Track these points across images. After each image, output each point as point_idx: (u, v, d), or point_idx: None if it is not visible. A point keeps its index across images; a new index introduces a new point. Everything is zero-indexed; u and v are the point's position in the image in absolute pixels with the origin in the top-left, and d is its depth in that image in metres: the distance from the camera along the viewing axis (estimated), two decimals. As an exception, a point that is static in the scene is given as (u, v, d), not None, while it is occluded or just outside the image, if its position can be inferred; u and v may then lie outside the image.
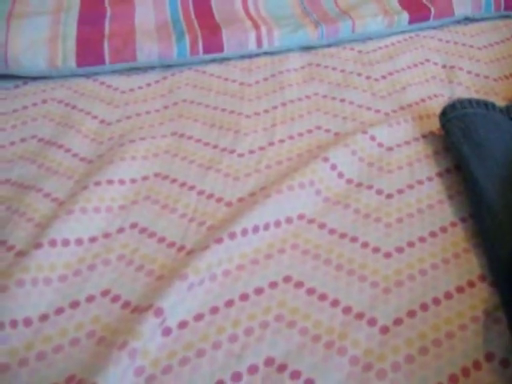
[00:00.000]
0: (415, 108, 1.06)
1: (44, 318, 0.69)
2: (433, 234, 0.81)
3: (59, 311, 0.70)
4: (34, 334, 0.68)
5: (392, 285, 0.74)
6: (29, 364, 0.65)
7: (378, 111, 1.05)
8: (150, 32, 1.17)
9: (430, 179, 0.90)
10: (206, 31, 1.17)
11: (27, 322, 0.68)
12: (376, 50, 1.23)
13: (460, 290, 0.73)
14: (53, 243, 0.76)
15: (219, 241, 0.75)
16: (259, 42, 1.18)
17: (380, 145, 0.95)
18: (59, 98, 1.08)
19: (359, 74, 1.15)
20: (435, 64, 1.19)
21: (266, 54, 1.21)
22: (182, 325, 0.68)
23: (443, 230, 0.81)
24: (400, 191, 0.87)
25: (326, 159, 0.89)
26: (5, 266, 0.73)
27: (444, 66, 1.18)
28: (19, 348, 0.66)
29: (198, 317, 0.69)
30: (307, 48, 1.23)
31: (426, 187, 0.88)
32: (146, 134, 0.97)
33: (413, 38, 1.27)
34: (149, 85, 1.12)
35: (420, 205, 0.85)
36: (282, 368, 0.64)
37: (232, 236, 0.75)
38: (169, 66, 1.16)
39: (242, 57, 1.20)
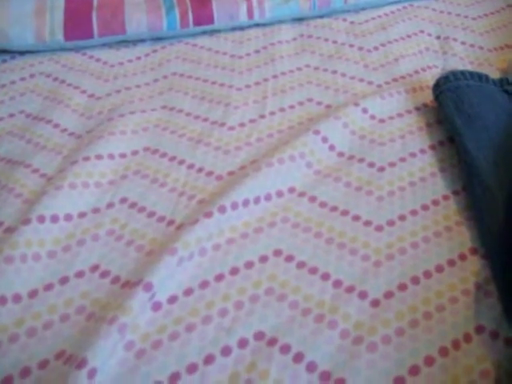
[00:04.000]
0: (408, 80, 1.04)
1: (33, 294, 0.69)
2: (425, 207, 0.80)
3: (48, 287, 0.70)
4: (24, 311, 0.67)
5: (383, 258, 0.73)
6: (19, 340, 0.65)
7: (370, 83, 1.04)
8: (139, 3, 1.14)
9: (422, 152, 0.89)
10: (196, 3, 1.16)
11: (16, 298, 0.68)
12: (369, 20, 1.22)
13: (451, 263, 0.73)
14: (41, 219, 0.75)
15: (209, 215, 0.74)
16: (250, 14, 1.17)
17: (372, 117, 0.94)
18: (47, 73, 1.06)
19: (351, 46, 1.14)
20: (429, 35, 1.17)
21: (257, 25, 1.19)
22: (172, 299, 0.68)
23: (435, 203, 0.81)
24: (392, 164, 0.87)
25: (317, 132, 0.88)
26: (-6, 243, 0.73)
27: (438, 37, 1.17)
28: (9, 324, 0.66)
29: (188, 291, 0.69)
30: (299, 19, 1.21)
31: (419, 160, 0.88)
32: (135, 108, 0.96)
33: (406, 9, 1.26)
34: (138, 58, 1.11)
35: (412, 178, 0.85)
36: (272, 342, 0.64)
37: (222, 210, 0.75)
38: (158, 39, 1.15)
39: (233, 29, 1.18)
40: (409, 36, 1.17)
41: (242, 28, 1.18)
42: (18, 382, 0.61)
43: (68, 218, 0.77)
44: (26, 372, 0.62)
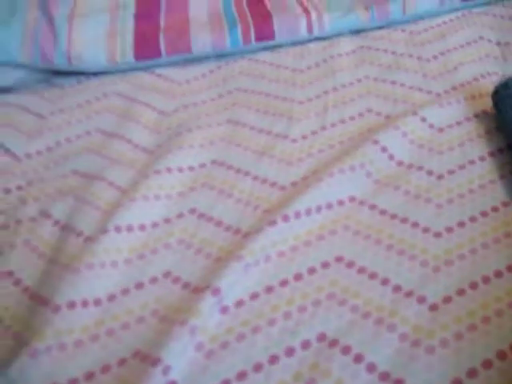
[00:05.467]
0: (467, 87, 1.05)
1: (112, 298, 0.75)
2: (484, 214, 0.81)
3: (125, 292, 0.75)
4: (104, 313, 0.73)
5: (442, 264, 0.75)
6: (99, 340, 0.70)
7: (429, 92, 1.05)
8: (203, 23, 1.20)
9: (481, 159, 0.90)
10: (258, 19, 1.20)
11: (97, 302, 0.74)
12: (427, 29, 1.23)
13: (510, 269, 0.74)
14: (118, 229, 0.81)
15: (273, 223, 0.78)
16: (310, 28, 1.20)
17: (431, 126, 0.96)
18: (119, 92, 1.13)
19: (410, 56, 1.15)
20: (489, 41, 1.18)
21: (316, 39, 1.22)
22: (239, 303, 0.72)
23: (494, 209, 0.82)
24: (451, 172, 0.88)
25: (376, 142, 0.91)
26: (75, 251, 0.79)
27: (498, 43, 1.17)
28: (90, 325, 0.71)
29: (254, 296, 0.73)
30: (357, 31, 1.24)
31: (478, 167, 0.89)
32: (202, 123, 1.01)
33: (465, 16, 1.26)
34: (204, 75, 1.16)
35: (471, 185, 0.86)
36: (333, 343, 0.67)
37: (285, 219, 0.79)
38: (222, 56, 1.20)
39: (294, 43, 1.22)
40: (468, 43, 1.17)
41: (302, 42, 1.22)
42: (99, 377, 0.66)
43: (142, 227, 0.83)
44: (106, 368, 0.67)
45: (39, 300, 0.74)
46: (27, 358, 0.66)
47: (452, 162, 0.90)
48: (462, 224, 0.80)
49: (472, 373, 0.63)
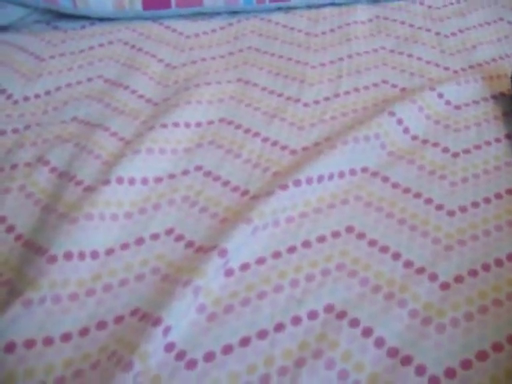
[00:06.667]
0: (485, 67, 1.03)
1: (110, 252, 0.71)
2: (498, 196, 0.79)
3: (125, 247, 0.72)
4: (101, 267, 0.70)
5: (454, 243, 0.73)
6: (96, 294, 0.67)
7: (446, 68, 1.02)
8: (217, -24, 1.16)
9: (497, 140, 0.88)
10: (274, -22, 1.16)
11: (94, 255, 0.70)
12: (447, 5, 1.20)
13: (524, 253, 0.72)
14: (119, 181, 0.77)
15: (284, 187, 0.75)
16: (327, -8, 1.16)
17: (448, 103, 0.93)
18: (125, 40, 1.09)
19: (428, 30, 1.12)
20: (509, 23, 1.15)
21: (332, 4, 1.19)
22: (244, 267, 0.69)
23: (509, 192, 0.80)
24: (466, 151, 0.86)
25: (392, 113, 0.88)
26: (74, 200, 0.75)
27: (517, 25, 1.14)
28: (87, 279, 0.68)
29: (260, 260, 0.70)
30: (375, 0, 1.20)
31: (494, 148, 0.87)
32: (211, 79, 0.97)
33: (486, -5, 1.23)
34: (214, 31, 1.12)
35: (486, 166, 0.84)
36: (341, 315, 0.65)
37: (297, 183, 0.76)
38: (234, 13, 1.16)
39: (309, 6, 1.18)
40: (488, 23, 1.15)
41: (317, 6, 1.18)
42: (94, 333, 0.63)
43: (144, 181, 0.79)
44: (102, 325, 0.64)
45: (33, 248, 0.70)
46: (20, 308, 0.63)
47: (468, 141, 0.88)
48: (475, 204, 0.78)
49: (482, 354, 0.62)
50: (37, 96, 0.97)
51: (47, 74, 1.01)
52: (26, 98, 0.96)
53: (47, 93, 0.97)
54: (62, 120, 0.91)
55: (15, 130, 0.88)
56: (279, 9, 1.17)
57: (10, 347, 0.60)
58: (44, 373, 0.59)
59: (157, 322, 0.61)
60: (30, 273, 0.67)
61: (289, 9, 1.17)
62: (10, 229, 0.74)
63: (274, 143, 0.86)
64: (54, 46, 1.08)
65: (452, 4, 1.20)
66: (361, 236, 0.73)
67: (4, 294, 0.67)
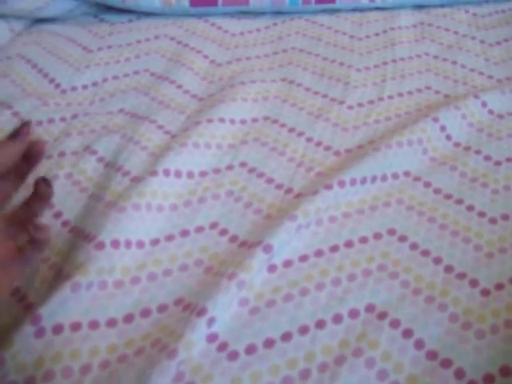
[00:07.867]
0: (531, 78, 1.03)
1: (155, 242, 0.73)
2: (541, 206, 0.79)
3: (170, 238, 0.73)
4: (146, 256, 0.71)
5: (496, 250, 0.73)
6: (140, 282, 0.68)
7: (490, 77, 1.02)
8: (264, -24, 1.17)
9: (540, 151, 0.88)
10: (321, -19, 1.17)
11: (140, 244, 0.72)
12: (492, 13, 1.19)
13: None
14: (166, 173, 0.79)
15: (329, 187, 0.76)
16: (373, -4, 1.17)
17: (491, 112, 0.93)
18: (171, 35, 1.10)
19: (473, 38, 1.12)
20: (555, 34, 1.14)
21: (377, 9, 1.19)
22: (287, 263, 0.70)
23: (552, 203, 0.80)
24: (509, 159, 0.86)
25: (435, 119, 0.88)
26: (121, 190, 0.77)
27: None
28: (132, 267, 0.69)
29: (303, 258, 0.71)
30: (420, 6, 1.21)
31: (536, 159, 0.87)
32: (255, 78, 0.99)
33: (533, 6, 1.23)
34: (259, 30, 1.13)
35: (529, 175, 0.84)
36: (382, 315, 0.65)
37: (341, 184, 0.77)
38: (279, 13, 1.17)
39: (354, 10, 1.19)
40: (533, 33, 1.14)
41: (362, 10, 1.19)
42: (138, 320, 0.65)
43: (190, 175, 0.81)
44: (146, 313, 0.65)
45: (81, 234, 0.72)
46: (69, 291, 0.64)
47: (510, 150, 0.87)
48: (517, 213, 0.78)
49: (522, 363, 0.62)
50: (84, 87, 0.99)
51: (94, 66, 1.03)
52: (74, 88, 0.98)
53: (94, 84, 0.99)
54: (108, 111, 0.93)
55: (63, 119, 0.91)
56: (324, 11, 1.18)
57: (58, 329, 0.62)
58: (89, 355, 0.61)
59: (201, 312, 0.62)
60: (78, 258, 0.68)
61: (333, 11, 1.18)
62: (58, 215, 0.75)
63: (318, 143, 0.87)
64: (101, 39, 1.10)
65: (497, 12, 1.20)
66: (402, 239, 0.74)
67: (51, 277, 0.69)
